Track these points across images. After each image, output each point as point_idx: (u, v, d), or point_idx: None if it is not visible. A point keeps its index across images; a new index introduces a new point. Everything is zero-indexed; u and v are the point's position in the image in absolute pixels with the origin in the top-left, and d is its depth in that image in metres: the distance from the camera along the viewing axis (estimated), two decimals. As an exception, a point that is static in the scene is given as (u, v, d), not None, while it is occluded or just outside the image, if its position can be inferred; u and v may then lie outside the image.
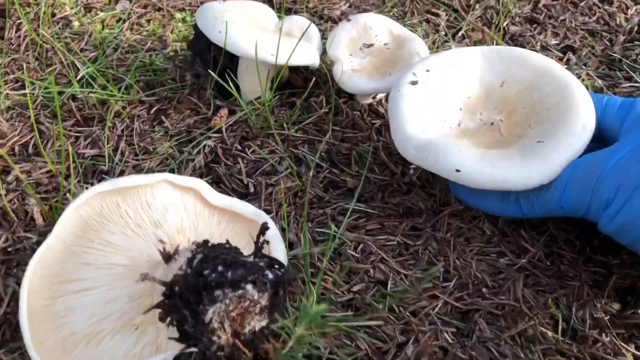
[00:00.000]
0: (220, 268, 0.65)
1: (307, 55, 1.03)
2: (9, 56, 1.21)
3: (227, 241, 0.70)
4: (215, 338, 0.63)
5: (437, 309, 0.85)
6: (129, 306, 0.74)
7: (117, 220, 0.79)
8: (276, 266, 0.66)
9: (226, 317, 0.63)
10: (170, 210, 0.82)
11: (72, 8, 1.36)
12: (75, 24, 1.32)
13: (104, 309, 0.74)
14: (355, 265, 0.88)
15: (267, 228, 0.70)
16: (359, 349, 0.79)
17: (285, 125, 1.07)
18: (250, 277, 0.64)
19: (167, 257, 0.72)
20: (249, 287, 0.63)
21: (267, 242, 0.71)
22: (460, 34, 1.34)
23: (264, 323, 0.66)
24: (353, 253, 0.89)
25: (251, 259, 0.67)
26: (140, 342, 0.74)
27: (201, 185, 0.84)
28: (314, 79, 1.15)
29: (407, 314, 0.84)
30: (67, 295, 0.74)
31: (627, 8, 1.42)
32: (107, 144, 1.03)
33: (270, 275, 0.65)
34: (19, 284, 0.84)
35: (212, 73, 1.03)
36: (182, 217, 0.82)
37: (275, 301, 0.66)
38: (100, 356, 0.72)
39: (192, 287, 0.63)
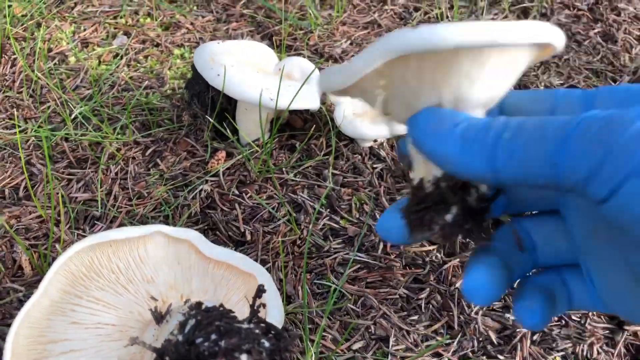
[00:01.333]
0: (213, 336, 0.61)
1: (308, 99, 1.00)
2: (3, 93, 1.19)
3: (222, 305, 0.67)
4: None
5: (440, 368, 0.81)
6: (118, 371, 0.70)
7: (108, 276, 0.76)
8: (273, 333, 0.63)
9: None
10: (163, 265, 0.79)
11: (68, 43, 1.34)
12: (72, 59, 1.30)
13: None
14: (355, 321, 0.84)
15: (264, 291, 0.66)
16: (359, 413, 0.76)
17: (284, 169, 1.04)
18: (245, 346, 0.60)
19: (159, 318, 0.69)
20: (244, 357, 0.59)
21: (264, 306, 0.67)
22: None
23: None
24: (353, 307, 0.86)
25: (246, 325, 0.64)
26: (131, 411, 0.70)
27: (195, 236, 0.81)
28: (313, 122, 1.13)
29: (410, 373, 0.80)
30: (52, 357, 0.70)
31: (632, 47, 1.40)
32: (100, 187, 1.00)
33: (267, 344, 0.61)
34: (3, 338, 0.81)
35: (209, 118, 1.01)
36: (175, 272, 0.79)
37: None
38: None
39: (184, 357, 0.60)
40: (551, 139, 0.42)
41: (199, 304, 0.67)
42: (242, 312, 0.69)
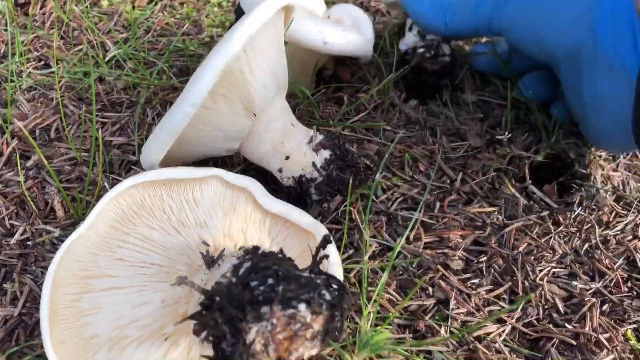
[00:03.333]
0: (270, 281, 0.54)
1: (361, 44, 0.93)
2: (33, 33, 1.12)
3: (281, 250, 0.61)
4: None
5: (504, 335, 0.75)
6: (160, 312, 0.64)
7: (159, 215, 0.70)
8: (335, 286, 0.56)
9: (271, 340, 0.52)
10: (218, 211, 0.72)
11: (101, -14, 1.27)
12: (104, 3, 1.23)
13: (132, 313, 0.64)
14: (415, 280, 0.78)
15: (330, 242, 0.60)
16: (419, 377, 0.70)
17: (331, 122, 0.97)
18: (305, 295, 0.54)
19: (210, 262, 0.63)
20: (302, 306, 0.53)
21: (327, 257, 0.60)
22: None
23: (314, 351, 0.55)
24: (410, 267, 0.79)
25: (306, 273, 0.57)
26: (170, 355, 0.64)
27: (255, 186, 0.75)
28: (362, 74, 1.06)
29: (471, 339, 0.74)
30: (94, 291, 0.65)
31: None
32: (137, 132, 0.93)
33: (328, 296, 0.55)
34: (36, 281, 0.75)
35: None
36: (230, 220, 0.72)
37: (330, 327, 0.55)
38: (123, 366, 0.62)
39: (235, 300, 0.53)
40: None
41: (256, 247, 0.61)
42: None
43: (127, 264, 0.66)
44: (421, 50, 0.98)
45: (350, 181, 0.79)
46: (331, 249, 0.70)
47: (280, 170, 0.80)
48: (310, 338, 0.53)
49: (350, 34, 0.92)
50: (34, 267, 0.76)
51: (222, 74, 0.67)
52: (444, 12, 0.94)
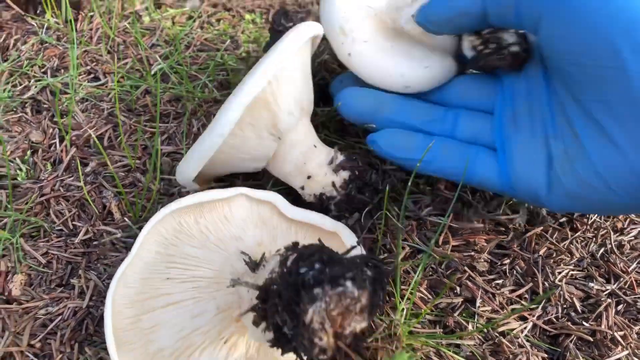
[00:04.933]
0: (317, 265, 0.61)
1: (445, 76, 0.92)
2: (81, 49, 1.20)
3: (319, 240, 0.68)
4: (317, 340, 0.59)
5: (526, 331, 0.82)
6: (217, 319, 0.71)
7: (198, 235, 0.77)
8: (373, 262, 0.63)
9: (327, 317, 0.58)
10: (249, 224, 0.80)
11: (142, 3, 1.35)
12: (146, 19, 1.31)
13: (192, 323, 0.71)
14: (445, 280, 0.85)
15: (355, 246, 0.67)
16: (449, 368, 0.77)
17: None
18: (349, 273, 0.60)
19: (254, 265, 0.70)
20: (349, 283, 0.59)
21: (358, 243, 0.68)
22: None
23: (364, 324, 0.62)
24: (439, 269, 0.86)
25: (347, 256, 0.64)
26: (231, 356, 0.71)
27: (277, 198, 0.82)
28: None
29: (496, 334, 0.81)
30: (152, 311, 0.72)
31: None
32: (185, 141, 1.01)
33: (369, 272, 0.62)
34: (99, 277, 0.83)
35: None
36: (261, 231, 0.80)
37: (374, 300, 0.62)
38: (190, 372, 0.70)
39: (290, 286, 0.59)
40: None
41: (296, 243, 0.67)
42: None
43: (178, 281, 0.73)
44: (481, 47, 0.83)
45: (387, 190, 0.84)
46: (357, 251, 0.78)
47: (302, 188, 0.87)
48: (359, 312, 0.60)
49: (433, 68, 0.88)
50: (97, 265, 0.84)
51: (248, 108, 0.74)
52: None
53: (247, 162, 0.84)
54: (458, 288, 0.85)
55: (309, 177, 0.85)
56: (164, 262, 0.75)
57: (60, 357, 0.75)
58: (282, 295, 0.60)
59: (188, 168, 0.79)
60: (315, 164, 0.85)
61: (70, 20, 1.23)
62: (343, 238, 0.80)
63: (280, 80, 0.78)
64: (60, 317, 0.79)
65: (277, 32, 1.10)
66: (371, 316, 0.61)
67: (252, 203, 0.83)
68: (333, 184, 0.85)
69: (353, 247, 0.66)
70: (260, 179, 0.91)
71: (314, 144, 0.86)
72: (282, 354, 0.61)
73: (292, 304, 0.59)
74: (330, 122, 1.02)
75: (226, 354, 0.71)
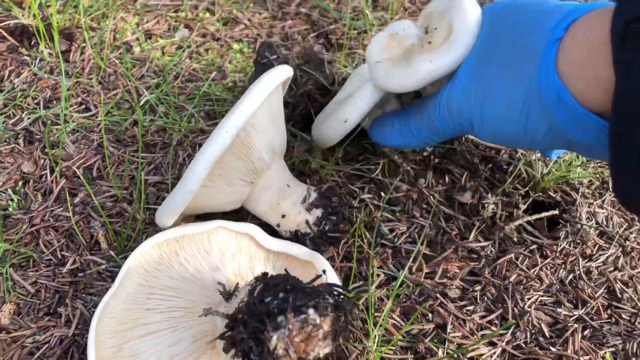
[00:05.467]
0: (281, 294, 0.65)
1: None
2: (74, 79, 1.25)
3: (286, 270, 0.72)
4: None
5: (495, 356, 0.85)
6: (193, 347, 0.75)
7: (177, 267, 0.81)
8: (336, 291, 0.67)
9: (290, 343, 0.63)
10: (227, 255, 0.84)
11: (133, 33, 1.40)
12: (137, 49, 1.36)
13: (169, 351, 0.75)
14: (414, 307, 0.88)
15: (320, 275, 0.71)
16: (419, 393, 0.80)
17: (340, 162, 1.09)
18: (311, 302, 0.64)
19: (228, 295, 0.74)
20: (311, 311, 0.63)
21: (324, 272, 0.72)
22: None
23: (327, 350, 0.66)
24: (412, 295, 0.90)
25: (310, 285, 0.68)
26: (207, 383, 0.75)
27: (255, 230, 0.86)
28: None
29: (466, 359, 0.84)
30: (132, 340, 0.76)
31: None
32: (170, 171, 1.05)
33: (331, 300, 0.66)
34: (86, 306, 0.86)
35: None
36: (239, 261, 0.84)
37: (338, 326, 0.66)
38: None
39: (255, 315, 0.64)
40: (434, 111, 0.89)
41: (265, 273, 0.71)
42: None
43: (156, 311, 0.77)
44: None
45: (359, 222, 0.88)
46: (330, 273, 0.81)
47: (278, 226, 0.91)
48: (323, 338, 0.64)
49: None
50: (84, 294, 0.88)
51: (214, 164, 0.78)
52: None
53: (223, 205, 0.88)
54: (430, 314, 0.89)
55: (283, 216, 0.89)
56: (145, 293, 0.79)
57: (46, 384, 0.78)
58: (248, 324, 0.64)
59: (163, 219, 0.83)
60: (288, 203, 0.89)
61: (60, 53, 1.27)
62: (317, 266, 0.84)
63: (249, 131, 0.82)
64: (47, 345, 0.82)
65: (261, 65, 1.15)
66: (335, 342, 0.65)
67: (230, 235, 0.86)
68: (307, 222, 0.88)
69: (318, 276, 0.70)
70: (240, 211, 0.95)
71: (287, 184, 0.90)
72: None
73: (257, 331, 0.63)
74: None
75: (202, 382, 0.74)
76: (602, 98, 0.67)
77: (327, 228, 0.88)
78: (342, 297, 0.67)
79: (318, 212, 0.89)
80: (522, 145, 0.98)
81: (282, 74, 0.86)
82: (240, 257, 0.85)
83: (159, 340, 0.75)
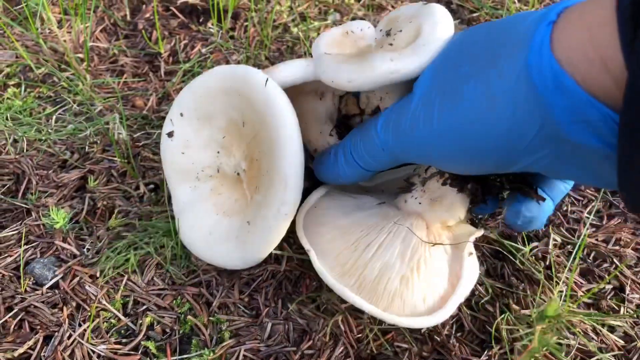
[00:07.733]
0: None
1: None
2: (241, 54, 1.36)
3: None
4: None
5: (672, 319, 0.90)
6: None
7: None
8: None
9: None
10: None
11: (288, 16, 1.50)
12: (294, 29, 1.46)
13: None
14: (590, 269, 0.94)
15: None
16: (605, 344, 0.86)
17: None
18: None
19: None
20: None
21: None
22: None
23: None
24: (587, 259, 0.96)
25: None
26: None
27: None
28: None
29: (645, 319, 0.89)
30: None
31: None
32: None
33: None
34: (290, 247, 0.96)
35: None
36: None
37: None
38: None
39: None
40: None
41: None
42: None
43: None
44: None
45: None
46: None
47: None
48: None
49: None
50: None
51: None
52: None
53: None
54: (606, 276, 0.94)
55: None
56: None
57: (267, 310, 0.88)
58: None
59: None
60: None
61: (228, 30, 1.39)
62: None
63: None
64: (260, 278, 0.92)
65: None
66: None
67: None
68: None
69: None
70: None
71: None
72: None
73: None
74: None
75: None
76: (609, 83, 0.56)
77: None
78: None
79: None
80: (489, 165, 0.70)
81: None
82: None
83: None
